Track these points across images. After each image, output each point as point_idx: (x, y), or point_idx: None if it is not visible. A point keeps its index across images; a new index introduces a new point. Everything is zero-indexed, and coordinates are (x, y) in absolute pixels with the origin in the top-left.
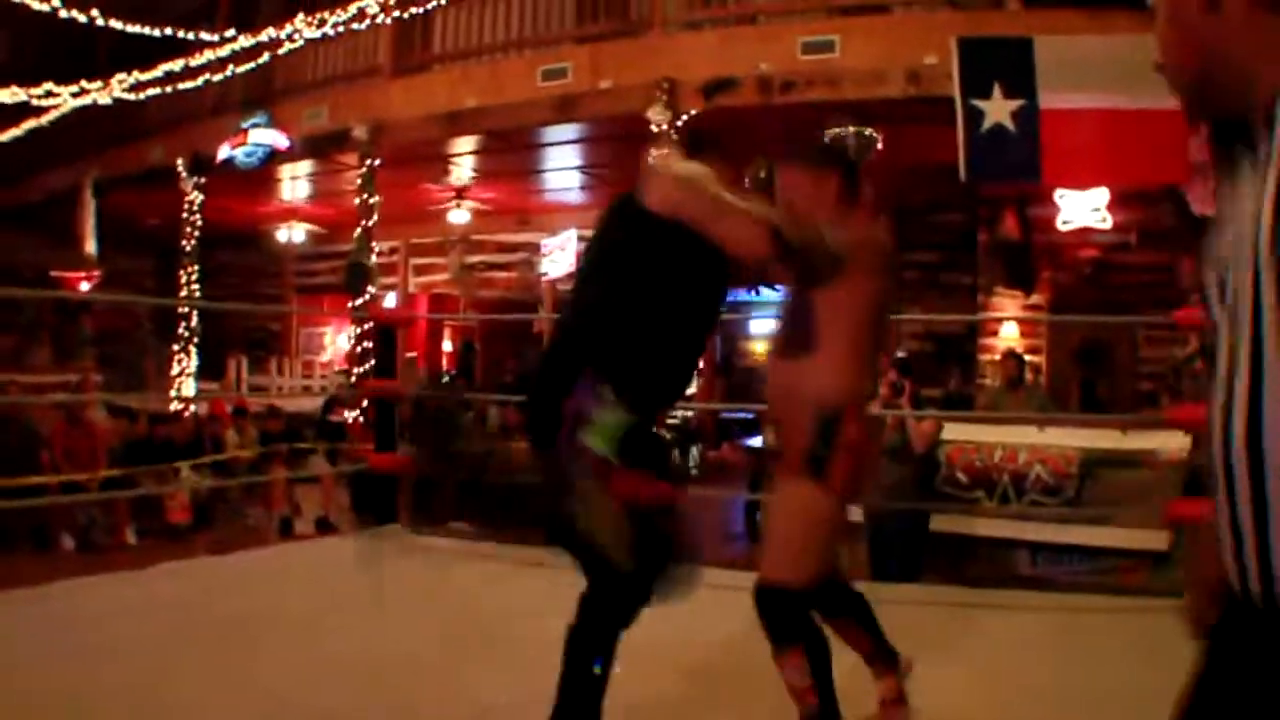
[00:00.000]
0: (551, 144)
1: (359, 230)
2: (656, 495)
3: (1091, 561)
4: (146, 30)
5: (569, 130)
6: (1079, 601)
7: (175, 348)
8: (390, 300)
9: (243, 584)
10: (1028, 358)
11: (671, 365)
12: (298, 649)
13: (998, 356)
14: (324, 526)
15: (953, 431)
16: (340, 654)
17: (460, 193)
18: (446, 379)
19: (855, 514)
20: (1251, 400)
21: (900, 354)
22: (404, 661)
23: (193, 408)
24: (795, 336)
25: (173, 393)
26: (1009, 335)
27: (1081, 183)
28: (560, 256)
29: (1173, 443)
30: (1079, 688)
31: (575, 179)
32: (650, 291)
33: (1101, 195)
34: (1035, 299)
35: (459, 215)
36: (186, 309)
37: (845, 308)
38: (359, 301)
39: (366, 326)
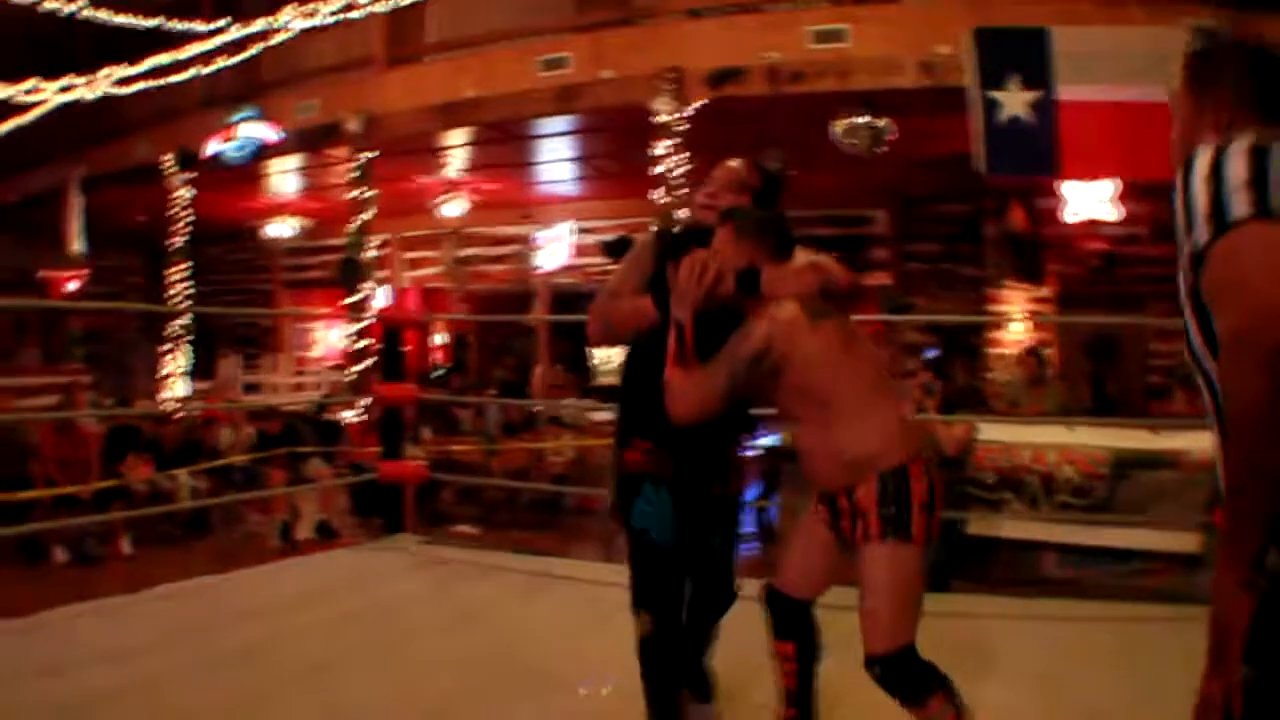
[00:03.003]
0: (549, 135)
1: (354, 225)
2: None
3: (1121, 563)
4: (133, 22)
5: (567, 121)
6: (1118, 610)
7: (165, 347)
8: (382, 295)
9: (249, 610)
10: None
11: None
12: (315, 693)
13: (1010, 351)
14: (325, 532)
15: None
16: (361, 700)
17: (454, 185)
18: (440, 373)
19: None
20: None
21: (931, 353)
22: (438, 702)
23: (185, 409)
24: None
25: (165, 394)
26: (1018, 328)
27: (1098, 175)
28: (556, 249)
29: (1202, 442)
30: (1133, 703)
31: (572, 171)
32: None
33: (1109, 187)
34: (1043, 292)
35: (452, 208)
36: (177, 308)
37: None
38: (354, 299)
39: (363, 324)
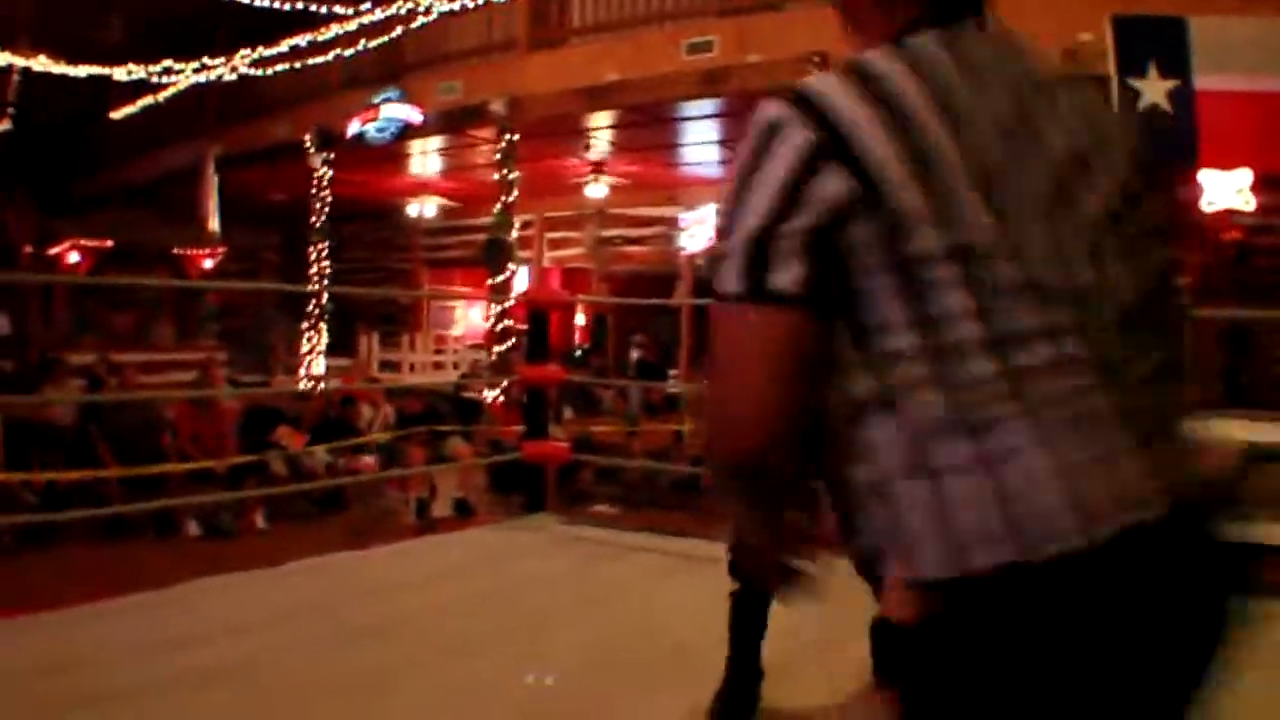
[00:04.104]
0: (693, 118)
1: (498, 206)
2: None
3: (1248, 558)
4: (273, 5)
5: (712, 105)
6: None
7: (304, 325)
8: (523, 275)
9: (383, 586)
10: None
11: None
12: (442, 672)
13: None
14: (463, 510)
15: None
16: (486, 679)
17: (598, 167)
18: (579, 354)
19: None
20: None
21: None
22: (562, 685)
23: (324, 387)
24: None
25: (303, 370)
26: None
27: (1235, 165)
28: (699, 231)
29: None
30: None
31: (716, 153)
32: None
33: (1245, 176)
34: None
35: (596, 189)
36: (316, 286)
37: None
38: (499, 279)
39: (507, 305)
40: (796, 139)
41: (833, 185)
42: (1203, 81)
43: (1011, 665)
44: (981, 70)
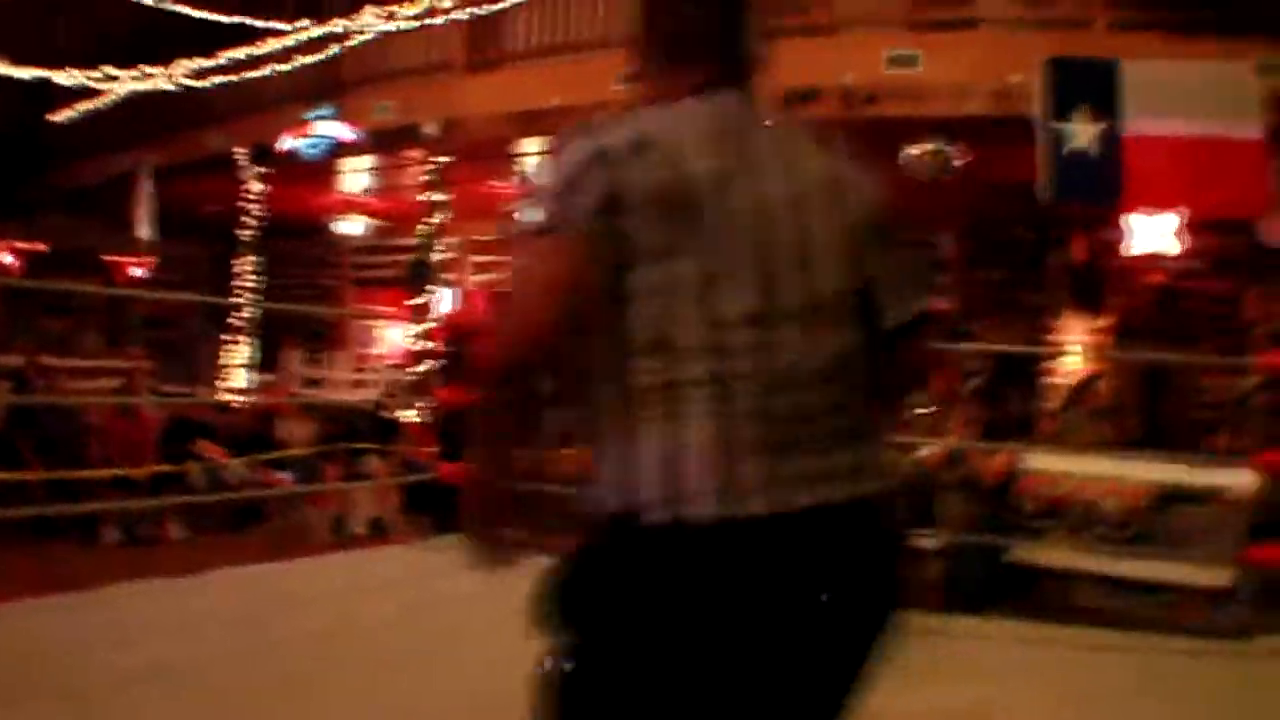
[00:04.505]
0: None
1: (426, 227)
2: None
3: (1152, 596)
4: (213, 17)
5: None
6: (1147, 641)
7: (228, 338)
8: (449, 297)
9: (307, 600)
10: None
11: None
12: (374, 680)
13: (1067, 381)
14: (378, 529)
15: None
16: (404, 691)
17: (527, 191)
18: None
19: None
20: None
21: (975, 381)
22: (476, 698)
23: (244, 401)
24: None
25: (225, 384)
26: (1074, 359)
27: (1161, 208)
28: None
29: (1241, 479)
30: None
31: None
32: None
33: (1171, 220)
34: (1101, 323)
35: (525, 213)
36: (242, 300)
37: None
38: (420, 300)
39: (428, 326)
40: (584, 146)
41: (600, 177)
42: (1132, 125)
43: (658, 608)
44: (738, 129)
